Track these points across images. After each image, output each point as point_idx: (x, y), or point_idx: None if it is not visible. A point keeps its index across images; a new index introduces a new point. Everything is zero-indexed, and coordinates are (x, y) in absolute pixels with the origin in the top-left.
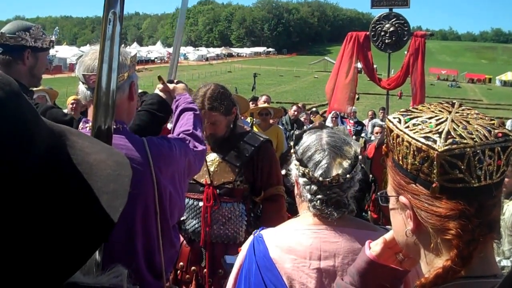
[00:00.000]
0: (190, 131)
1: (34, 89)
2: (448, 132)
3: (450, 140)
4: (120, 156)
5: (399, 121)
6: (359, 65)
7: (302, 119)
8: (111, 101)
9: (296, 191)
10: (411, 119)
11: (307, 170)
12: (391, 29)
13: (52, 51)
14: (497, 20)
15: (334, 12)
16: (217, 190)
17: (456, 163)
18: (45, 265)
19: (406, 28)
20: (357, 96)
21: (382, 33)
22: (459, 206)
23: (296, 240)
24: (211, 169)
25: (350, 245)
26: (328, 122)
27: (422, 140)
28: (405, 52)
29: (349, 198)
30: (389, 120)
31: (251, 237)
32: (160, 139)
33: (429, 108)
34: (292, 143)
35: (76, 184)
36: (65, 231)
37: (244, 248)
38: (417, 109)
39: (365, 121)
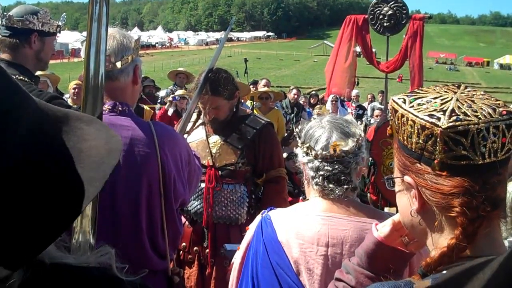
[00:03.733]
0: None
1: (37, 73)
2: (453, 110)
3: (454, 117)
4: (116, 143)
5: (404, 101)
6: (358, 48)
7: (301, 101)
8: (100, 84)
9: (304, 176)
10: (416, 99)
11: (307, 145)
12: (390, 12)
13: None
14: (496, 3)
15: None
16: (219, 172)
17: (460, 139)
18: (16, 238)
19: (405, 11)
20: (356, 81)
21: (381, 17)
22: (464, 183)
23: (305, 225)
24: (213, 151)
25: (359, 234)
26: (328, 106)
27: (426, 118)
28: (404, 36)
29: (352, 174)
30: (394, 101)
31: (258, 217)
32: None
33: (434, 90)
34: (295, 127)
35: (55, 167)
36: (36, 209)
37: (252, 228)
38: (422, 90)
39: (365, 104)
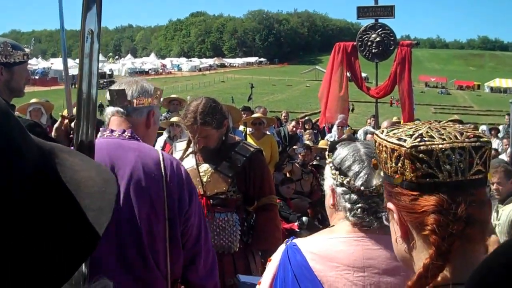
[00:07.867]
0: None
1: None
2: (420, 134)
3: (418, 139)
4: (108, 173)
5: (382, 132)
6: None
7: (291, 126)
8: (92, 114)
9: (329, 201)
10: (392, 130)
11: (347, 180)
12: (378, 39)
13: (47, 64)
14: (484, 28)
15: (324, 22)
16: (211, 201)
17: (424, 157)
18: (33, 280)
19: (392, 38)
20: (352, 107)
21: (369, 43)
22: (433, 201)
23: (337, 248)
24: (204, 179)
25: (391, 251)
26: (334, 131)
27: (395, 141)
28: (393, 61)
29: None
30: (375, 134)
31: (282, 246)
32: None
33: (416, 124)
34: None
35: (64, 201)
36: (52, 246)
37: (276, 258)
38: (406, 125)
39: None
